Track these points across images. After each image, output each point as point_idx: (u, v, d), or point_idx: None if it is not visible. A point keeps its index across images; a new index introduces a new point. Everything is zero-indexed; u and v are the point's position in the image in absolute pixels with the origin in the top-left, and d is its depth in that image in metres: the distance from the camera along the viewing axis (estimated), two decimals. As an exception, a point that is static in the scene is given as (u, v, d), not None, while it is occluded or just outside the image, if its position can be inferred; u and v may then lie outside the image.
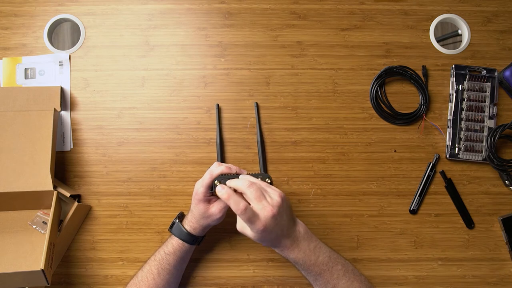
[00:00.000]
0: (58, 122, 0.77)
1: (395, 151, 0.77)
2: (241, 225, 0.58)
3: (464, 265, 0.75)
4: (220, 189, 0.58)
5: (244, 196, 0.57)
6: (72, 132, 0.77)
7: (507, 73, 0.77)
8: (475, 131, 0.77)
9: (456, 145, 0.77)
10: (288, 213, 0.58)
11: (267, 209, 0.54)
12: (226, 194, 0.56)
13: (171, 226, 0.68)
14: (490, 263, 0.75)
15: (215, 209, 0.64)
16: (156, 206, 0.76)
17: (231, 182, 0.59)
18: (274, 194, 0.57)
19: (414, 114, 0.77)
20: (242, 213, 0.54)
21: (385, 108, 0.78)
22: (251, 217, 0.54)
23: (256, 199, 0.55)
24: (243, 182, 0.57)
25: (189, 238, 0.66)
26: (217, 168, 0.64)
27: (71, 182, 0.76)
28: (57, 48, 0.80)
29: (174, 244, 0.66)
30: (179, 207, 0.75)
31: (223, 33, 0.80)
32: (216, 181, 0.63)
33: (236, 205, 0.54)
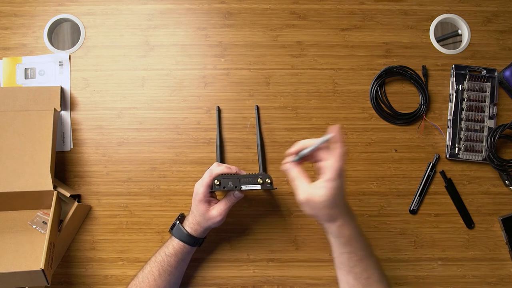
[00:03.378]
0: (58, 122, 0.77)
1: (395, 150, 0.77)
2: (310, 187, 0.55)
3: (464, 265, 0.75)
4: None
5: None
6: (72, 132, 0.77)
7: (507, 73, 0.77)
8: (475, 131, 0.77)
9: (456, 145, 0.77)
10: (344, 187, 0.56)
11: (341, 158, 0.53)
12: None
13: (172, 228, 0.68)
14: (490, 263, 0.75)
15: (215, 211, 0.64)
16: (156, 206, 0.76)
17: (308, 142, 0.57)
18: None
19: (414, 114, 0.77)
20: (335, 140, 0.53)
21: (385, 108, 0.78)
22: (327, 155, 0.54)
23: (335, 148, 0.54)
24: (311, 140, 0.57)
25: (189, 240, 0.66)
26: (217, 168, 0.64)
27: (71, 182, 0.76)
28: (57, 48, 0.80)
29: (175, 245, 0.66)
30: (179, 207, 0.75)
31: (223, 33, 0.80)
32: (216, 181, 0.63)
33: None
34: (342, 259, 0.57)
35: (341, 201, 0.55)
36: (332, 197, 0.53)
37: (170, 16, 0.80)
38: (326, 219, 0.56)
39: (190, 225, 0.66)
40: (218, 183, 0.63)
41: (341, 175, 0.53)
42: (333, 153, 0.54)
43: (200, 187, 0.64)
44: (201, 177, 0.65)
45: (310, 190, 0.54)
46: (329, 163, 0.54)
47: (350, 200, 0.76)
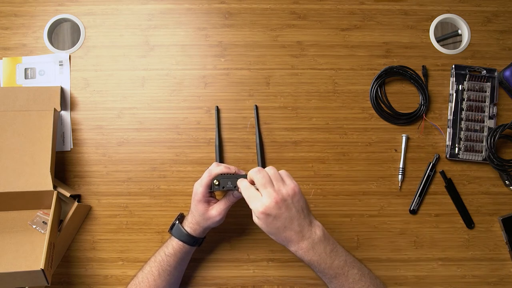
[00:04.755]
0: (58, 122, 0.77)
1: (395, 150, 0.77)
2: (253, 216, 0.58)
3: (464, 265, 0.75)
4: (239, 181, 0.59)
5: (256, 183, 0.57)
6: (72, 132, 0.77)
7: (507, 73, 0.77)
8: (475, 131, 0.77)
9: (456, 145, 0.77)
10: (299, 209, 0.56)
11: (271, 195, 0.54)
12: (241, 182, 0.59)
13: (171, 227, 0.68)
14: (490, 263, 0.75)
15: (215, 211, 0.64)
16: (156, 206, 0.76)
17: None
18: (287, 186, 0.56)
19: (414, 114, 0.77)
20: (244, 189, 0.57)
21: (385, 108, 0.78)
22: (250, 196, 0.56)
23: (262, 185, 0.56)
24: (253, 169, 0.57)
25: (189, 240, 0.66)
26: (216, 168, 0.64)
27: (71, 182, 0.76)
28: (57, 48, 0.80)
29: (174, 245, 0.66)
30: (179, 207, 0.75)
31: (223, 33, 0.80)
32: (215, 180, 0.63)
33: (240, 183, 0.58)
34: (317, 274, 0.59)
35: (286, 229, 0.55)
36: (267, 229, 0.56)
37: (170, 16, 0.80)
38: (278, 241, 0.58)
39: (190, 225, 0.66)
40: (217, 183, 0.63)
41: (270, 213, 0.55)
42: (265, 189, 0.56)
43: (199, 187, 0.64)
44: (200, 177, 0.65)
45: (254, 219, 0.58)
46: (258, 201, 0.56)
47: (350, 200, 0.76)
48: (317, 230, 0.57)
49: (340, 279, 0.57)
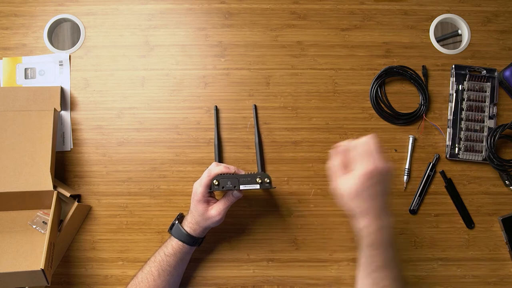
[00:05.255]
0: (58, 122, 0.77)
1: (395, 150, 0.77)
2: (341, 178, 0.58)
3: (464, 265, 0.75)
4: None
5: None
6: (72, 132, 0.77)
7: (507, 73, 0.77)
8: (475, 131, 0.77)
9: (456, 145, 0.77)
10: (388, 188, 0.57)
11: (384, 161, 0.56)
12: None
13: (171, 227, 0.68)
14: (490, 263, 0.75)
15: (214, 211, 0.64)
16: (156, 206, 0.76)
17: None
18: (390, 164, 0.57)
19: (414, 114, 0.77)
20: (354, 147, 0.57)
21: (385, 108, 0.78)
22: (363, 154, 0.56)
23: (376, 152, 0.56)
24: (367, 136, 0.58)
25: (189, 240, 0.66)
26: (216, 168, 0.64)
27: (71, 182, 0.76)
28: (57, 48, 0.80)
29: (174, 245, 0.66)
30: (179, 207, 0.75)
31: (223, 33, 0.80)
32: (214, 180, 0.63)
33: (348, 142, 0.59)
34: (363, 260, 0.58)
35: (369, 201, 0.56)
36: (355, 192, 0.56)
37: (170, 16, 0.80)
38: (352, 213, 0.58)
39: (189, 225, 0.66)
40: (217, 183, 0.63)
41: (371, 178, 0.55)
42: (368, 157, 0.56)
43: (198, 187, 0.64)
44: (200, 177, 0.65)
45: (339, 182, 0.58)
46: (363, 164, 0.56)
47: (350, 200, 0.76)
48: (390, 218, 0.57)
49: (385, 271, 0.56)
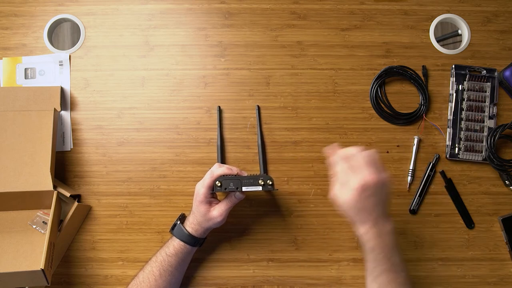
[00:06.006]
0: (58, 122, 0.77)
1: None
2: (338, 188, 0.58)
3: (464, 265, 0.75)
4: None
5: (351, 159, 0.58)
6: (72, 132, 0.77)
7: (507, 73, 0.77)
8: (475, 131, 0.77)
9: (456, 145, 0.77)
10: (386, 198, 0.58)
11: (375, 173, 0.56)
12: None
13: (173, 228, 0.68)
14: (490, 263, 0.75)
15: (216, 212, 0.64)
16: (156, 206, 0.76)
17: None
18: (385, 173, 0.57)
19: (414, 114, 0.77)
20: (349, 158, 0.57)
21: (385, 108, 0.78)
22: (354, 167, 0.56)
23: (368, 162, 0.57)
24: (357, 147, 0.59)
25: (190, 240, 0.66)
26: (218, 169, 0.64)
27: (71, 182, 0.76)
28: (57, 48, 0.80)
29: (175, 245, 0.66)
30: (179, 207, 0.75)
31: (223, 33, 0.80)
32: (217, 182, 0.63)
33: (345, 151, 0.59)
34: (369, 265, 0.59)
35: (367, 211, 0.57)
36: (351, 204, 0.56)
37: (170, 16, 0.80)
38: (351, 221, 0.59)
39: (191, 225, 0.66)
40: (219, 184, 0.63)
41: (366, 190, 0.55)
42: (364, 169, 0.56)
43: (201, 188, 0.64)
44: (201, 177, 0.65)
45: (337, 191, 0.58)
46: (358, 176, 0.56)
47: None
48: (389, 224, 0.58)
49: (390, 274, 0.57)
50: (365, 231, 0.57)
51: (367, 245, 0.58)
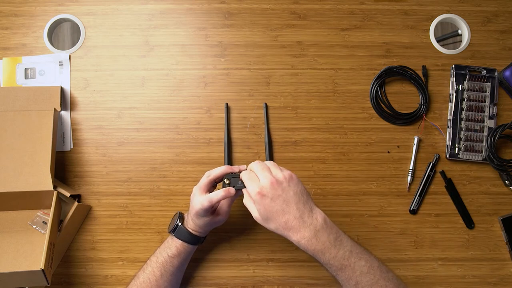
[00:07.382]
0: (58, 122, 0.77)
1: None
2: (247, 199, 0.58)
3: (464, 265, 0.75)
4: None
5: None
6: (72, 132, 0.77)
7: (507, 73, 0.77)
8: (475, 131, 0.77)
9: (456, 145, 0.77)
10: (297, 192, 0.55)
11: (267, 177, 0.55)
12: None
13: (174, 229, 0.66)
14: (490, 263, 0.75)
15: (221, 217, 0.65)
16: (156, 206, 0.76)
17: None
18: (284, 171, 0.57)
19: (414, 114, 0.77)
20: (243, 174, 0.58)
21: (385, 108, 0.78)
22: (250, 179, 0.56)
23: (260, 170, 0.56)
24: (253, 162, 0.59)
25: (193, 240, 0.66)
26: (215, 170, 0.64)
27: (71, 182, 0.76)
28: (57, 48, 0.80)
29: (178, 246, 0.65)
30: (179, 207, 0.75)
31: (223, 33, 0.80)
32: (225, 179, 0.63)
33: (239, 168, 0.61)
34: (328, 268, 0.56)
35: (282, 215, 0.54)
36: (262, 212, 0.55)
37: (170, 16, 0.80)
38: (281, 234, 0.55)
39: (192, 226, 0.66)
40: (227, 182, 0.63)
41: (263, 197, 0.54)
42: (251, 180, 0.57)
43: (200, 200, 0.62)
44: (201, 178, 0.65)
45: (250, 210, 0.58)
46: (249, 189, 0.57)
47: (350, 200, 0.76)
48: (319, 216, 0.54)
49: (346, 271, 0.54)
50: (298, 239, 0.53)
51: (308, 251, 0.54)
